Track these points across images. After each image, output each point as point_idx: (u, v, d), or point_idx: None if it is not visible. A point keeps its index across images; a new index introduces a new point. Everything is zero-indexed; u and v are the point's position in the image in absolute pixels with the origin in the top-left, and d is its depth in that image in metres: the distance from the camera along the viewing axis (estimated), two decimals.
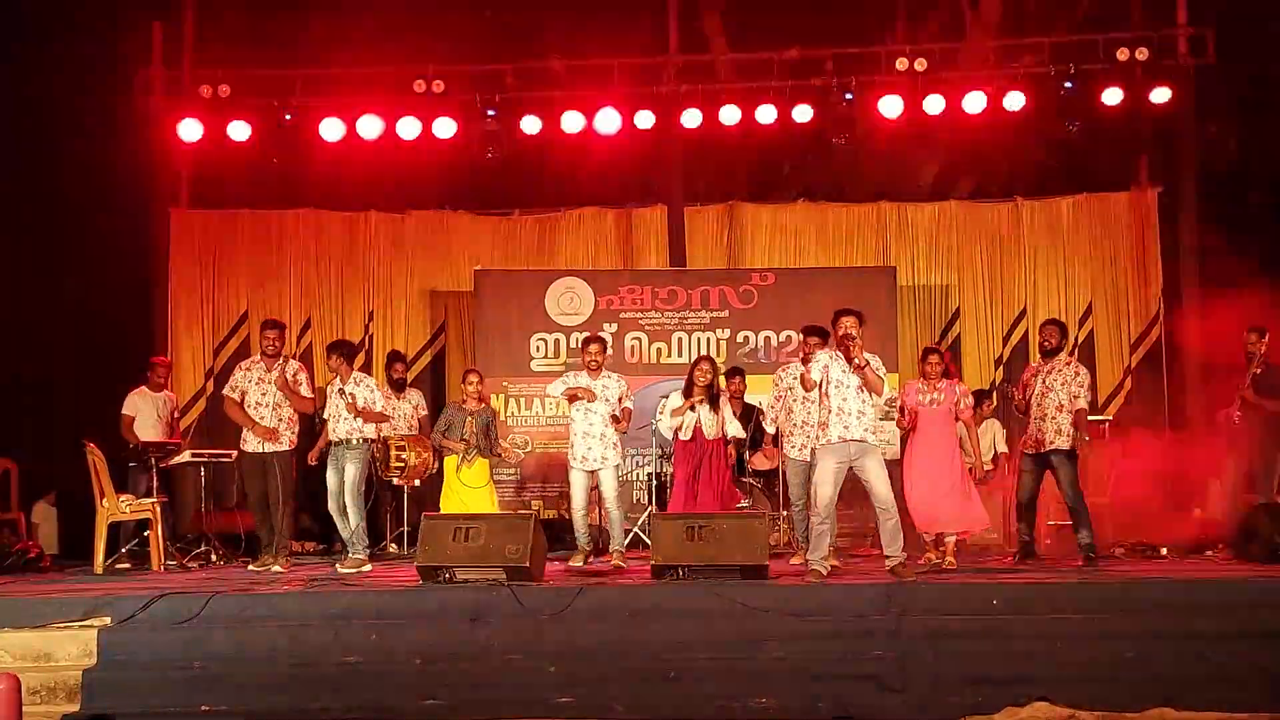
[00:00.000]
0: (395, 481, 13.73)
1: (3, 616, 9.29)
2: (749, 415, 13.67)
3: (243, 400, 12.35)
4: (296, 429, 12.47)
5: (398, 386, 14.55)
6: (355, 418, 12.16)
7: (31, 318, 14.63)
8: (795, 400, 11.97)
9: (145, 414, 13.71)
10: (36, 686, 8.59)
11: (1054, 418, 11.79)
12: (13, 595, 9.98)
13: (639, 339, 15.62)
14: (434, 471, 13.58)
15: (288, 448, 12.35)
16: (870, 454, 10.48)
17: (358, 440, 12.21)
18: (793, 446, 12.09)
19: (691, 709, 8.55)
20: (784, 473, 12.67)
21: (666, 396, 12.85)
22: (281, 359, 12.42)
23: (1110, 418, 15.70)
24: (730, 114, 15.56)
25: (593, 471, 12.12)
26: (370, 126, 15.61)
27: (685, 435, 12.29)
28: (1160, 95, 15.24)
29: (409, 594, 9.96)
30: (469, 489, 12.59)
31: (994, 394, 15.13)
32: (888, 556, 10.51)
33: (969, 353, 16.50)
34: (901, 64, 15.28)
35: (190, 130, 15.67)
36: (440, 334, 16.95)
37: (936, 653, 8.83)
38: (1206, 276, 15.82)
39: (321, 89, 15.78)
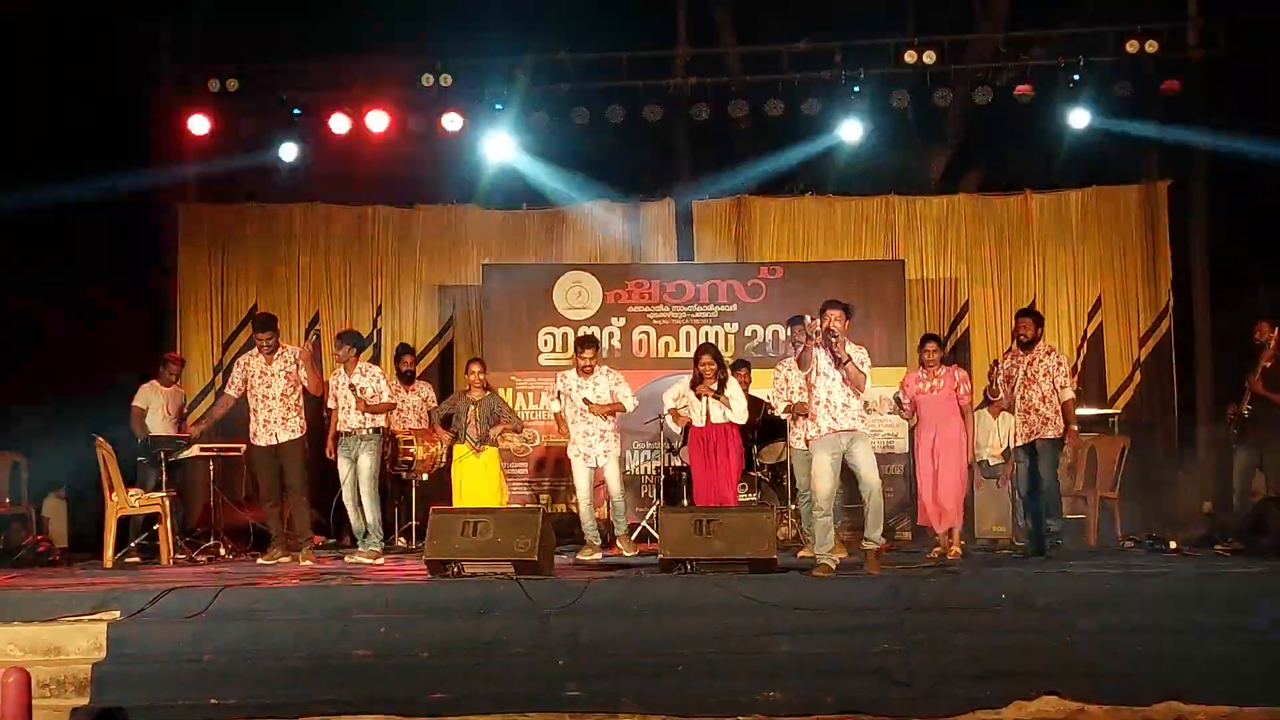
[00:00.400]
0: (403, 475, 13.75)
1: (12, 610, 9.31)
2: (756, 408, 13.65)
3: (246, 395, 12.36)
4: (304, 417, 12.45)
5: (406, 379, 14.56)
6: (364, 412, 12.22)
7: (41, 312, 14.64)
8: (793, 392, 11.97)
9: (156, 407, 13.75)
10: (46, 680, 8.60)
11: (1038, 409, 11.76)
12: (22, 589, 10.00)
13: (647, 333, 15.62)
14: (442, 465, 13.60)
15: (298, 434, 12.34)
16: (859, 440, 10.48)
17: (369, 431, 12.26)
18: (797, 438, 12.08)
19: (699, 703, 8.54)
20: (790, 464, 12.68)
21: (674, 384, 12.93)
22: (280, 350, 12.41)
23: (1119, 411, 15.69)
24: (739, 107, 15.54)
25: (595, 468, 12.24)
26: (378, 120, 15.62)
27: (699, 421, 12.35)
28: (1170, 87, 15.22)
29: (418, 588, 9.98)
30: (479, 478, 12.67)
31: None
32: (866, 539, 10.50)
33: (978, 346, 16.49)
34: (910, 56, 15.26)
35: (199, 124, 15.69)
36: (448, 328, 16.95)
37: (944, 647, 8.81)
38: (1216, 270, 15.80)
39: (329, 83, 15.77)
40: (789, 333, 12.40)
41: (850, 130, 15.75)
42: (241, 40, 16.02)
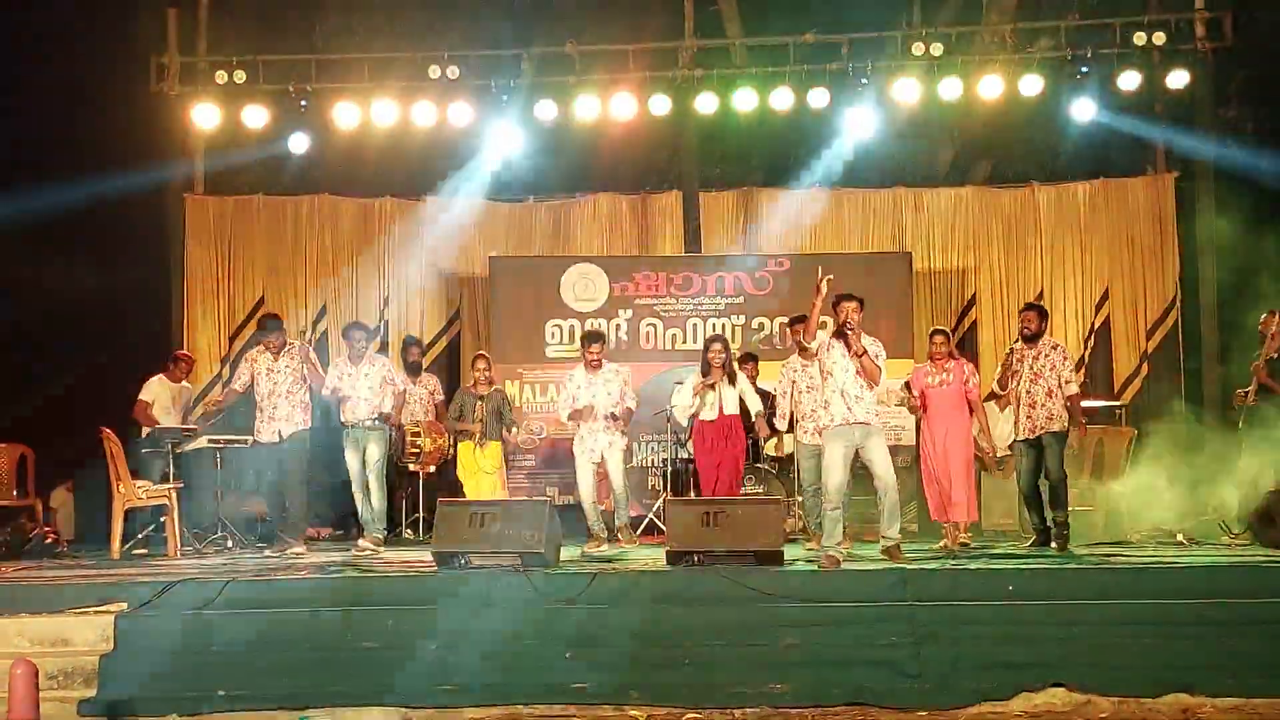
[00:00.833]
0: (411, 467, 13.75)
1: (20, 602, 9.33)
2: (765, 400, 13.65)
3: (254, 390, 12.36)
4: (310, 413, 12.44)
5: (413, 371, 14.55)
6: (383, 405, 12.25)
7: (48, 305, 14.66)
8: (802, 391, 11.98)
9: (162, 401, 13.77)
10: (54, 672, 8.62)
11: (1044, 404, 11.74)
12: (30, 581, 10.01)
13: (654, 325, 15.60)
14: (449, 457, 13.60)
15: (301, 428, 12.35)
16: (874, 434, 10.52)
17: (377, 421, 12.26)
18: (805, 432, 12.09)
19: (706, 694, 8.56)
20: (797, 459, 12.68)
21: (681, 383, 12.90)
22: (287, 346, 12.42)
23: (1126, 403, 15.68)
24: (745, 98, 15.53)
25: (598, 462, 12.22)
26: (385, 112, 15.61)
27: (711, 415, 12.35)
28: (1177, 79, 15.20)
29: (425, 580, 9.97)
30: (482, 473, 12.66)
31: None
32: (884, 537, 10.51)
33: (985, 338, 16.49)
34: (918, 48, 15.24)
35: (205, 116, 15.70)
36: (455, 320, 16.95)
37: (951, 639, 8.82)
38: (1223, 261, 15.77)
39: (336, 75, 15.77)
40: (790, 332, 12.37)
41: (859, 123, 15.72)
42: (248, 32, 16.01)
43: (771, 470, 13.88)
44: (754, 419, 12.69)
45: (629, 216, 17.05)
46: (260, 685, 8.66)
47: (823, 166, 16.95)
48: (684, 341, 15.51)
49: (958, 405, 11.77)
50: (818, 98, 15.46)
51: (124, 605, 9.27)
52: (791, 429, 12.86)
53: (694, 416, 12.54)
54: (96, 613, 9.21)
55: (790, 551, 10.88)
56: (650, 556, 11.39)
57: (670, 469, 14.04)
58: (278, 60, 15.76)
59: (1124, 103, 15.59)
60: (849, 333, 10.36)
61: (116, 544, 12.19)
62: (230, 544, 13.07)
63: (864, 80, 15.32)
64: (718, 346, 12.46)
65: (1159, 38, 14.98)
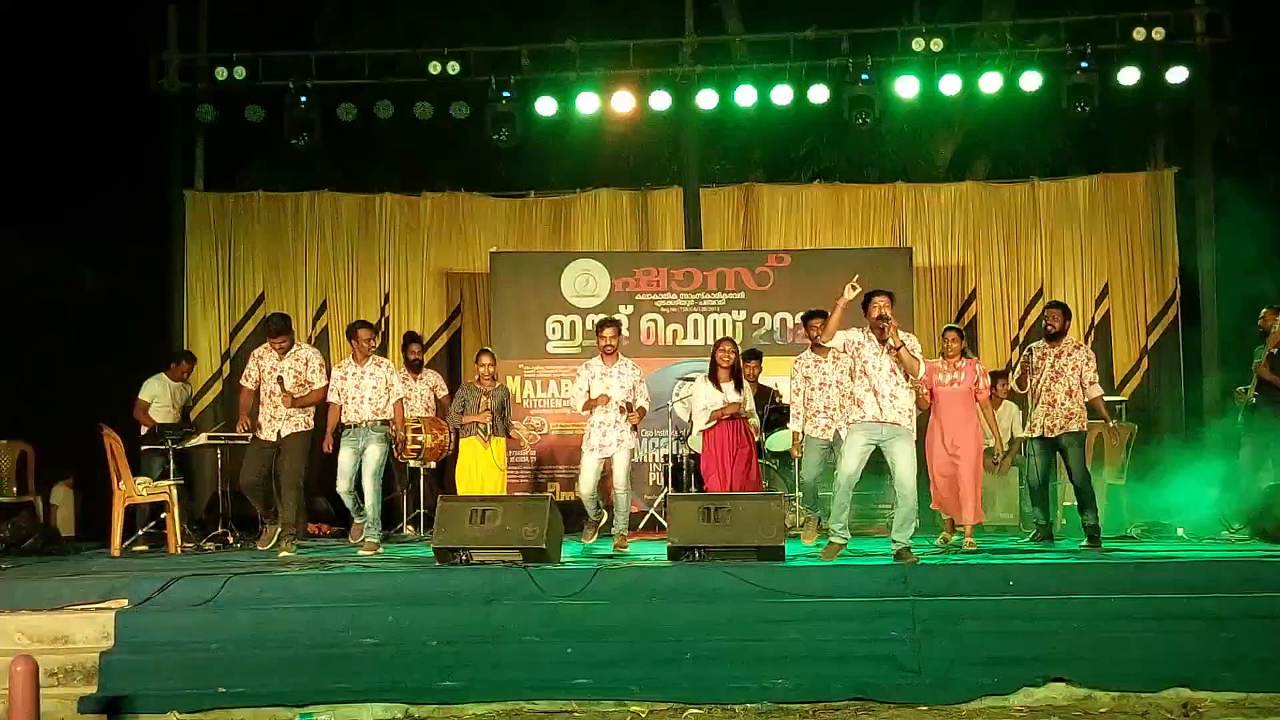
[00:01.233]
0: (412, 463, 13.74)
1: (20, 599, 9.34)
2: (765, 396, 13.68)
3: (258, 389, 12.31)
4: (311, 412, 12.37)
5: (414, 368, 14.52)
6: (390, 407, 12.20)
7: (48, 300, 14.66)
8: (814, 389, 11.93)
9: (161, 399, 13.78)
10: (54, 669, 8.63)
11: (1063, 403, 11.69)
12: (30, 578, 10.02)
13: (655, 321, 15.60)
14: (450, 453, 13.60)
15: (304, 429, 12.26)
16: (902, 438, 10.37)
17: (378, 423, 12.15)
18: (815, 427, 11.99)
19: (707, 690, 8.56)
20: (802, 452, 12.60)
21: (689, 379, 12.93)
22: (293, 349, 12.34)
23: (1126, 398, 15.68)
24: (746, 94, 15.53)
25: (605, 458, 12.09)
26: (385, 108, 15.61)
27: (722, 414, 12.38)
28: (1177, 75, 15.21)
29: (426, 576, 9.98)
30: (485, 467, 12.67)
31: (1009, 375, 15.12)
32: (894, 540, 10.44)
33: (985, 333, 16.48)
34: (918, 44, 15.24)
35: (205, 112, 15.70)
36: (456, 316, 16.96)
37: (952, 634, 8.83)
38: (1223, 256, 15.78)
39: (336, 71, 15.77)
40: (804, 328, 12.31)
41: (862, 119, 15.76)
42: (248, 28, 16.02)
43: (772, 466, 13.89)
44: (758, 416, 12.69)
45: (630, 212, 17.05)
46: (261, 682, 8.66)
47: (823, 162, 16.96)
48: (685, 337, 15.51)
49: (968, 405, 11.69)
50: (818, 93, 15.46)
51: (124, 602, 9.28)
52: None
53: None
54: (97, 609, 9.23)
55: (791, 547, 10.87)
56: (651, 552, 11.39)
57: (671, 464, 14.04)
58: (278, 56, 15.76)
59: (1124, 98, 15.58)
60: (885, 326, 10.29)
61: (117, 541, 12.19)
62: (231, 540, 13.08)
63: (864, 76, 15.31)
64: (728, 347, 12.45)
65: (1159, 33, 14.97)
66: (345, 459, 12.09)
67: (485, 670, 8.75)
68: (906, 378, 10.42)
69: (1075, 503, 12.16)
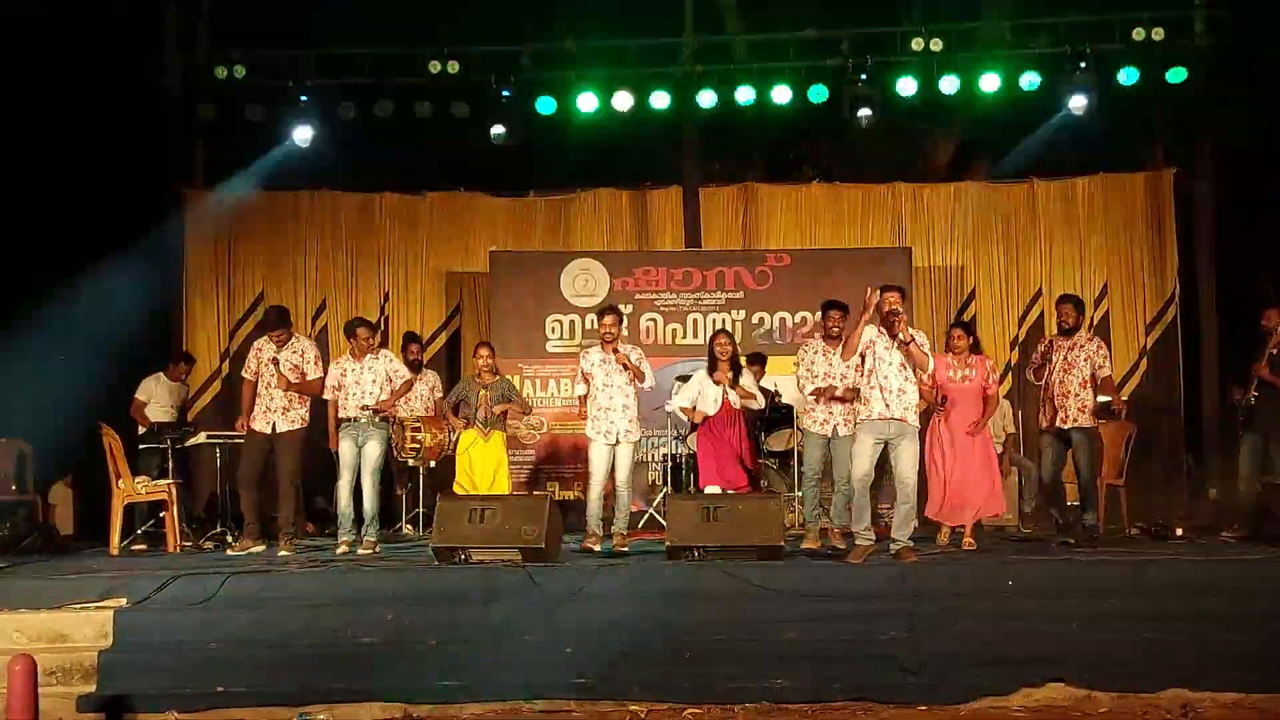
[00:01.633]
0: (410, 462, 13.73)
1: (19, 598, 9.34)
2: (766, 397, 13.65)
3: (257, 381, 12.26)
4: (307, 408, 12.34)
5: (413, 368, 14.49)
6: (389, 397, 12.16)
7: (47, 299, 14.64)
8: (816, 378, 11.86)
9: (158, 399, 13.80)
10: (53, 668, 8.63)
11: (1077, 394, 11.66)
12: (29, 577, 10.01)
13: (654, 320, 15.60)
14: (449, 452, 13.59)
15: (298, 426, 12.21)
16: (908, 435, 10.39)
17: (378, 418, 12.11)
18: (814, 421, 11.93)
19: (707, 689, 8.57)
20: (800, 449, 12.58)
21: (685, 379, 12.91)
22: (291, 340, 12.31)
23: (1125, 398, 15.67)
24: (745, 94, 15.52)
25: (613, 445, 11.95)
26: (385, 107, 15.60)
27: (714, 409, 12.31)
28: (1177, 75, 15.20)
29: (425, 575, 9.99)
30: (481, 462, 12.66)
31: (1008, 374, 15.13)
32: (893, 540, 10.42)
33: (984, 333, 16.38)
34: (917, 44, 15.22)
35: (205, 111, 15.69)
36: (456, 315, 16.96)
37: (952, 634, 8.84)
38: (1223, 257, 15.78)
39: (336, 70, 15.75)
40: (821, 318, 12.23)
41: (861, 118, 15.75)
42: (248, 27, 15.98)
43: (772, 465, 13.89)
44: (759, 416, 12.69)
45: (629, 212, 17.05)
46: (259, 681, 8.67)
47: (822, 162, 16.92)
48: (684, 336, 15.51)
49: (978, 402, 11.64)
50: (817, 93, 15.45)
51: (123, 601, 9.29)
52: (791, 421, 12.86)
53: (694, 411, 12.52)
54: (96, 608, 9.23)
55: (790, 546, 10.87)
56: (650, 552, 11.38)
57: (670, 464, 14.04)
58: (277, 55, 15.74)
59: (1123, 98, 15.58)
60: (895, 320, 10.29)
61: (115, 539, 12.18)
62: (230, 539, 13.07)
63: (864, 76, 15.30)
64: (724, 339, 12.43)
65: (1158, 33, 14.94)
66: (345, 451, 12.04)
67: (484, 670, 8.75)
68: (915, 373, 10.43)
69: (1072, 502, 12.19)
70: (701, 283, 15.63)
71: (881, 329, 10.45)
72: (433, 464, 13.81)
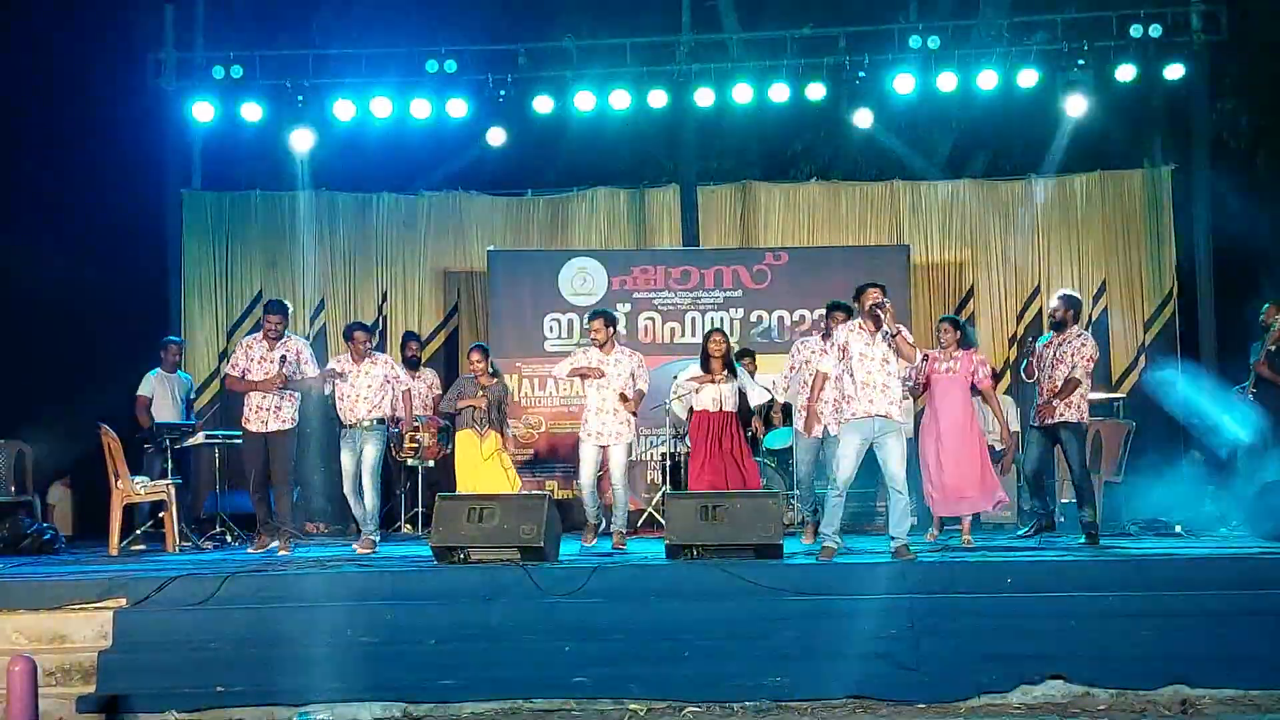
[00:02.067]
0: (409, 462, 13.74)
1: (18, 598, 9.32)
2: (761, 397, 13.66)
3: (244, 378, 12.20)
4: (297, 407, 12.34)
5: (412, 366, 14.56)
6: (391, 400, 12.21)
7: (46, 300, 14.65)
8: (810, 376, 11.85)
9: (161, 395, 13.78)
10: (52, 668, 8.62)
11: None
12: (28, 577, 10.00)
13: (652, 319, 15.61)
14: (448, 452, 13.60)
15: (290, 426, 12.19)
16: (893, 434, 10.36)
17: (375, 422, 12.13)
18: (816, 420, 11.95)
19: (706, 688, 8.56)
20: (796, 450, 12.62)
21: (678, 376, 12.91)
22: (284, 339, 12.27)
23: (1124, 395, 15.69)
24: (743, 93, 15.54)
25: (604, 447, 12.01)
26: (382, 107, 15.61)
27: (713, 407, 12.31)
28: (1174, 72, 15.21)
29: (424, 574, 9.97)
30: (483, 460, 12.65)
31: (1007, 371, 15.13)
32: (893, 537, 10.44)
33: (983, 330, 16.46)
34: (914, 41, 15.23)
35: (202, 112, 15.70)
36: (454, 314, 16.97)
37: (951, 631, 8.83)
38: (1221, 253, 15.79)
39: (333, 69, 15.76)
40: (827, 316, 12.23)
41: (858, 116, 15.76)
42: (245, 27, 16.00)
43: (770, 463, 13.89)
44: (753, 413, 12.66)
45: (627, 210, 17.05)
46: (259, 680, 8.66)
47: (820, 160, 16.98)
48: (683, 335, 15.51)
49: (963, 392, 11.67)
50: (815, 91, 15.47)
51: (122, 601, 9.27)
52: (789, 418, 12.85)
53: (691, 409, 12.53)
54: (95, 609, 9.21)
55: (789, 545, 10.86)
56: (649, 550, 11.39)
57: (669, 463, 14.04)
58: (275, 55, 15.75)
59: (1121, 95, 15.59)
60: (881, 313, 10.27)
61: (115, 540, 12.19)
62: (229, 539, 13.08)
63: (861, 74, 15.32)
64: (718, 338, 12.42)
65: (1155, 30, 14.97)
66: (346, 461, 12.12)
67: (483, 669, 8.74)
68: (901, 367, 10.44)
69: (1074, 499, 12.17)
70: (699, 281, 15.64)
71: (860, 328, 10.45)
72: (431, 463, 13.83)
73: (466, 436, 13.07)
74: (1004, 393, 14.51)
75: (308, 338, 15.50)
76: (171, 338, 14.45)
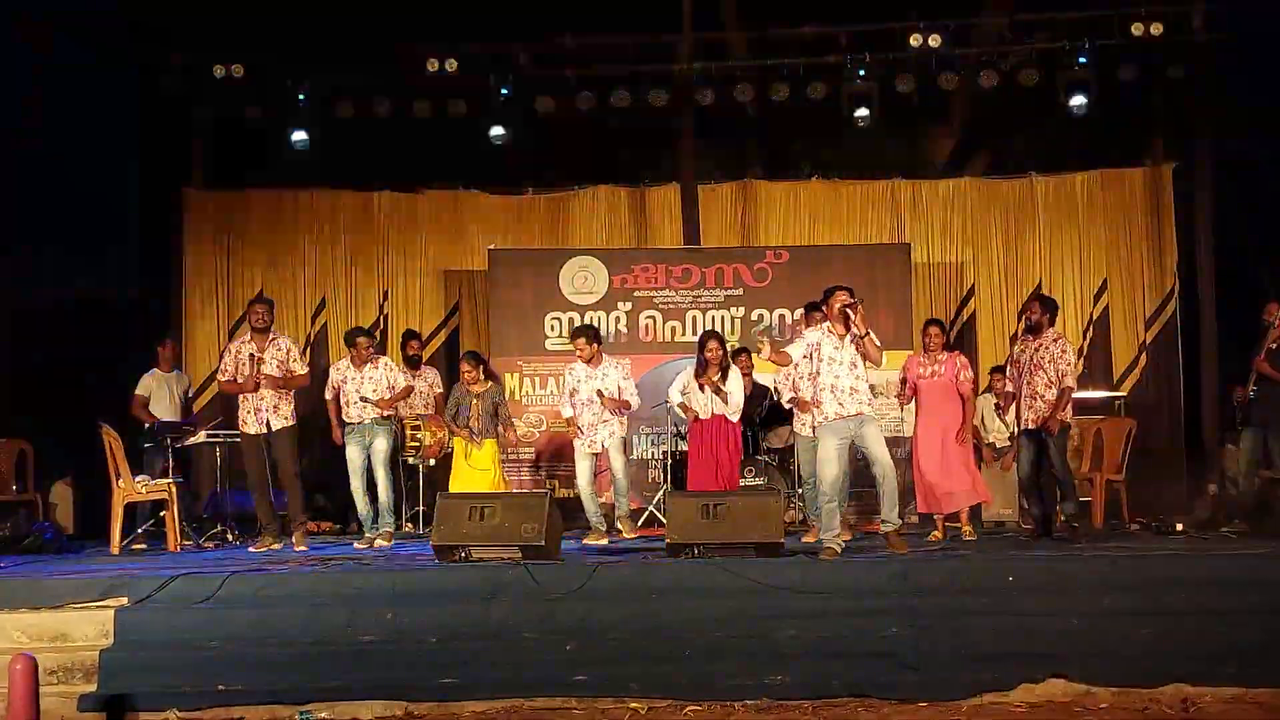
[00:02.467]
0: (410, 460, 13.75)
1: (20, 597, 9.32)
2: (763, 394, 13.67)
3: (235, 381, 12.24)
4: (294, 404, 12.36)
5: (412, 365, 14.57)
6: (383, 403, 12.27)
7: (47, 299, 14.66)
8: (803, 377, 11.86)
9: (159, 394, 13.81)
10: (53, 667, 8.62)
11: (1043, 394, 11.66)
12: (29, 576, 10.01)
13: (653, 317, 15.61)
14: (449, 450, 13.60)
15: (291, 423, 12.23)
16: (868, 423, 10.40)
17: (383, 417, 12.27)
18: (803, 424, 12.05)
19: (707, 686, 8.55)
20: (796, 450, 12.67)
21: (680, 374, 12.94)
22: (274, 338, 12.30)
23: (1125, 394, 15.70)
24: (744, 91, 15.52)
25: (598, 454, 12.24)
26: (383, 105, 15.61)
27: (705, 414, 12.36)
28: (1175, 70, 15.20)
29: (425, 573, 9.98)
30: (476, 471, 12.64)
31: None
32: (884, 522, 10.47)
33: (984, 329, 16.51)
34: (915, 40, 15.22)
35: (203, 109, 15.69)
36: (455, 313, 16.97)
37: (952, 630, 8.82)
38: (1222, 252, 15.79)
39: (334, 68, 15.74)
40: (804, 317, 12.30)
41: (859, 115, 15.76)
42: (246, 26, 15.98)
43: (771, 462, 13.90)
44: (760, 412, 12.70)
45: (628, 209, 17.05)
46: (260, 679, 8.65)
47: (821, 158, 16.99)
48: (683, 334, 15.50)
49: (949, 397, 11.78)
50: (816, 89, 15.45)
51: (124, 600, 9.26)
52: (789, 419, 12.86)
53: (687, 409, 12.57)
54: (96, 608, 9.21)
55: (790, 543, 10.86)
56: (649, 548, 11.39)
57: (670, 461, 14.05)
58: (275, 54, 15.74)
59: (1122, 94, 15.58)
60: (851, 315, 10.28)
61: (116, 539, 12.18)
62: (230, 538, 13.09)
63: (862, 72, 15.31)
64: (714, 344, 12.44)
65: (1157, 29, 14.96)
66: (354, 456, 12.28)
67: (484, 668, 8.74)
68: (869, 369, 10.47)
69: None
70: (700, 280, 15.65)
71: (829, 331, 10.45)
72: (432, 462, 13.84)
73: (461, 445, 13.02)
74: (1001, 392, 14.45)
75: (308, 336, 15.57)
76: (163, 340, 14.46)
